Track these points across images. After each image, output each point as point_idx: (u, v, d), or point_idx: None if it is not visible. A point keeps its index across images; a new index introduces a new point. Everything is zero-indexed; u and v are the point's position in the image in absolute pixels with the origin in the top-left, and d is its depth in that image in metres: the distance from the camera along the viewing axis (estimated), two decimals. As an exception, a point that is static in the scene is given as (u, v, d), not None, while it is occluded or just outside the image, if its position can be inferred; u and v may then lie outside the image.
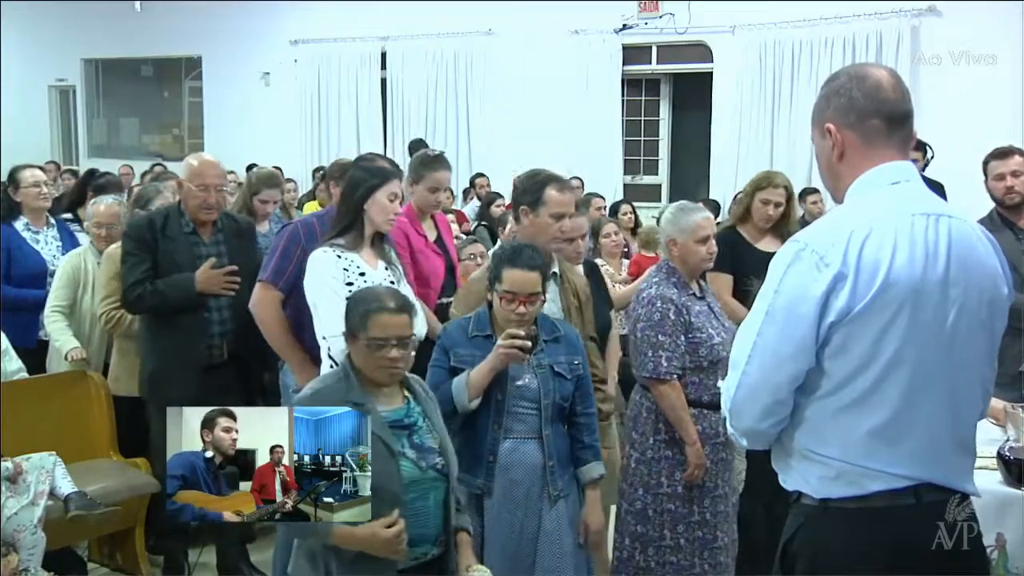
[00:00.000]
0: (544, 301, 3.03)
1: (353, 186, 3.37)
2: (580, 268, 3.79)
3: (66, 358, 4.33)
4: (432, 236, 4.01)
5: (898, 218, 1.81)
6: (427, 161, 4.05)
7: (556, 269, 3.40)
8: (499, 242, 4.84)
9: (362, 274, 3.31)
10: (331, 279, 3.24)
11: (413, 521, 2.49)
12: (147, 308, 3.87)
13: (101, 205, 4.64)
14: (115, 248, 4.26)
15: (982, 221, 4.39)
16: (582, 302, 3.50)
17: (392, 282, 3.40)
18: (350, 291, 3.27)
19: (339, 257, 3.29)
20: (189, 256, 3.87)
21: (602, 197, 7.55)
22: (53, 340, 4.41)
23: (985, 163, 4.32)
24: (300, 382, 3.58)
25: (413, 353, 2.60)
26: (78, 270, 4.44)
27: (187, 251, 3.89)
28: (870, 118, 1.88)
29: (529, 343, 2.82)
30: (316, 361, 3.56)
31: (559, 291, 3.39)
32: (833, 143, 1.91)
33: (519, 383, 2.94)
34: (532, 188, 3.37)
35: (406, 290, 3.48)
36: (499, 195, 8.52)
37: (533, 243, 3.17)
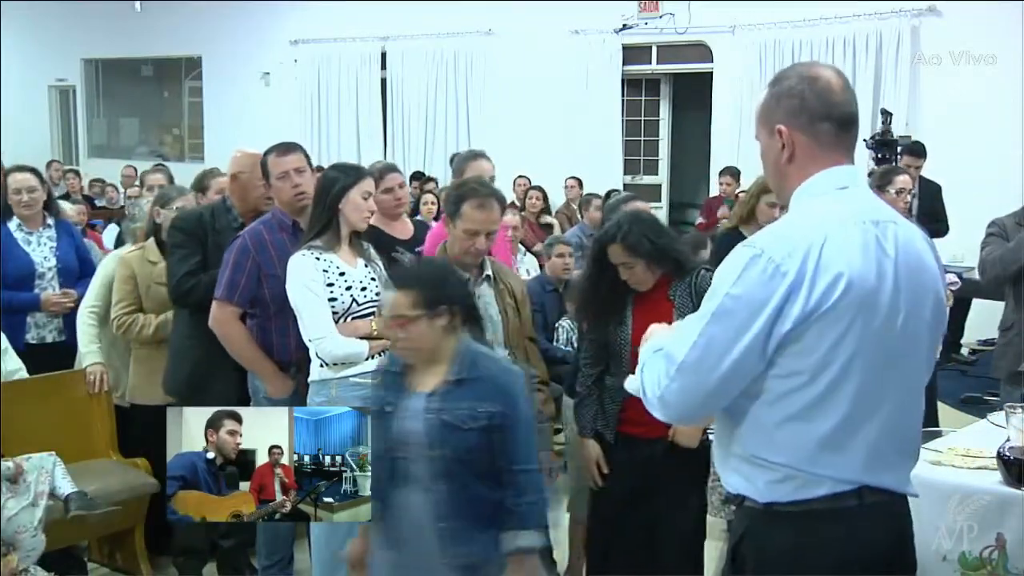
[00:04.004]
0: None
1: (327, 187, 3.35)
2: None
3: (85, 370, 4.27)
4: None
5: (851, 226, 1.81)
6: (468, 156, 4.06)
7: (489, 272, 3.32)
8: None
9: (342, 274, 3.31)
10: (311, 282, 3.24)
11: None
12: (198, 299, 3.74)
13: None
14: (128, 252, 4.24)
15: (1014, 214, 4.40)
16: (518, 301, 3.45)
17: (372, 279, 3.39)
18: (331, 292, 3.28)
19: (317, 259, 3.28)
20: None
21: (601, 197, 7.55)
22: (80, 345, 4.31)
23: None
24: (271, 393, 3.56)
25: None
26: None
27: None
28: (821, 121, 1.86)
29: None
30: (286, 370, 3.55)
31: (494, 293, 3.32)
32: (783, 144, 1.89)
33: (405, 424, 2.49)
34: (454, 199, 3.28)
35: None
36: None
37: (451, 254, 3.24)
